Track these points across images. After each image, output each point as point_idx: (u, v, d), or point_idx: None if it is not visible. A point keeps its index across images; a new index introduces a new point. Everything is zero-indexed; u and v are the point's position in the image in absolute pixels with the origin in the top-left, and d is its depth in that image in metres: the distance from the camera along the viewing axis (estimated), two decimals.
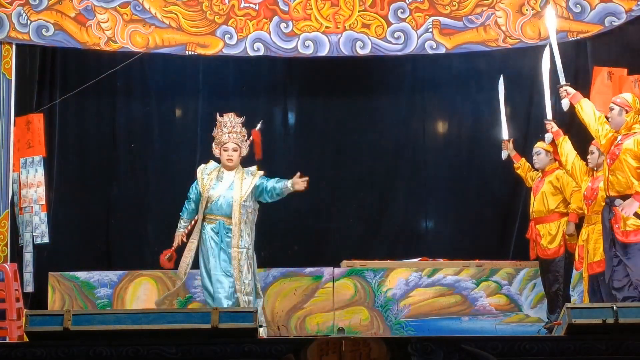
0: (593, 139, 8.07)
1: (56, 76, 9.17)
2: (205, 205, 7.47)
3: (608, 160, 6.73)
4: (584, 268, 7.52)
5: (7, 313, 7.50)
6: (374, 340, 5.21)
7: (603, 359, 5.18)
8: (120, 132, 9.49)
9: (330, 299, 8.39)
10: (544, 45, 8.67)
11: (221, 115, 7.59)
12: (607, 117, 6.83)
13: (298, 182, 7.36)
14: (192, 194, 7.62)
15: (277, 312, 8.33)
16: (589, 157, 7.58)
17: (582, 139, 8.05)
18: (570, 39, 8.63)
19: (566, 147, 7.63)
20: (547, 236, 7.92)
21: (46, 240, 8.60)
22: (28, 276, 8.51)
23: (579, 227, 7.80)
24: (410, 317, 8.34)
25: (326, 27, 8.65)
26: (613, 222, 6.64)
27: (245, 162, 7.65)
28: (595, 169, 7.54)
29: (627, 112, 6.70)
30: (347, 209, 9.51)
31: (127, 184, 9.47)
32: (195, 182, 7.58)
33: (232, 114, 7.57)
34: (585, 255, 7.46)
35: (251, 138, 7.57)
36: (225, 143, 7.49)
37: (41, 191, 8.59)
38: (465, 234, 9.36)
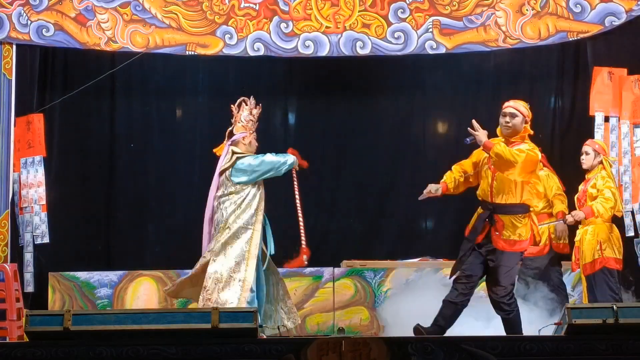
0: (591, 137, 8.15)
1: (56, 76, 9.17)
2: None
3: (492, 167, 6.52)
4: (580, 269, 7.58)
5: (7, 313, 7.50)
6: (374, 340, 5.22)
7: (603, 359, 5.18)
8: (120, 132, 9.49)
9: (330, 299, 8.39)
10: (544, 45, 8.72)
11: (248, 97, 7.36)
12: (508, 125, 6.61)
13: None
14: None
15: None
16: (583, 157, 7.63)
17: (582, 139, 8.07)
18: (570, 39, 8.63)
19: None
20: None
21: (46, 240, 8.60)
22: (28, 276, 8.52)
23: (574, 228, 7.82)
24: None
25: (326, 27, 8.65)
26: (493, 230, 6.48)
27: None
28: (589, 170, 7.60)
29: (526, 122, 6.64)
30: (347, 209, 9.51)
31: (127, 184, 9.47)
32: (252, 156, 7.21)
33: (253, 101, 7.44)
34: (580, 256, 7.50)
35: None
36: (255, 129, 7.35)
37: (41, 191, 8.59)
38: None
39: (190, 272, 7.28)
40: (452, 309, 6.48)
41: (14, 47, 8.66)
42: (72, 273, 8.61)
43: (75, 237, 9.24)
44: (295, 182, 7.34)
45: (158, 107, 9.56)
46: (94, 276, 8.59)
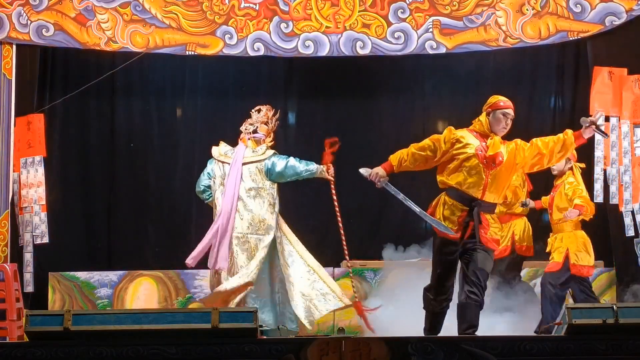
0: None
1: (56, 76, 9.18)
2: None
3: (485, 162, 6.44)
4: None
5: (7, 313, 7.50)
6: (374, 340, 5.21)
7: (603, 359, 5.18)
8: (120, 132, 9.50)
9: None
10: (544, 45, 8.72)
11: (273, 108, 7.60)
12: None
13: None
14: None
15: None
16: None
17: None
18: (571, 39, 8.63)
19: None
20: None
21: (46, 240, 8.60)
22: (28, 276, 8.52)
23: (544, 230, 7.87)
24: None
25: (326, 27, 8.65)
26: (481, 228, 6.36)
27: None
28: (558, 176, 7.57)
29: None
30: (347, 209, 9.49)
31: (127, 184, 9.47)
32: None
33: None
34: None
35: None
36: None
37: (41, 191, 8.59)
38: None
39: (230, 285, 7.13)
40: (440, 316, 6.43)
41: (14, 47, 8.65)
42: (72, 273, 8.62)
43: (75, 237, 9.25)
44: (335, 200, 7.44)
45: (158, 107, 9.56)
46: (94, 276, 8.60)
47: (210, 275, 7.31)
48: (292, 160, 7.30)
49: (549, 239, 7.69)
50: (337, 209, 7.41)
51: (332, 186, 7.39)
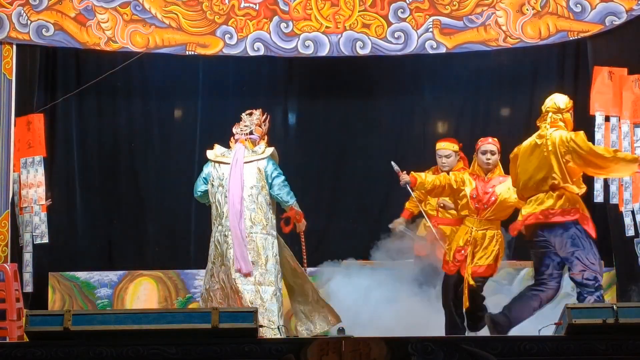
0: (592, 137, 8.13)
1: (56, 76, 9.18)
2: None
3: None
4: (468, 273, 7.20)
5: (7, 313, 7.49)
6: (374, 340, 5.22)
7: (603, 359, 5.18)
8: (120, 132, 9.50)
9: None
10: (545, 45, 8.73)
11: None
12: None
13: None
14: None
15: None
16: (489, 158, 7.50)
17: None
18: (571, 39, 8.63)
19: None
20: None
21: (46, 240, 8.59)
22: (28, 276, 8.51)
23: None
24: None
25: (326, 27, 8.65)
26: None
27: None
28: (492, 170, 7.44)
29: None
30: (347, 209, 9.50)
31: (127, 184, 9.47)
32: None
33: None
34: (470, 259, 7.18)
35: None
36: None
37: (41, 191, 8.58)
38: None
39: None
40: None
41: (14, 47, 8.65)
42: (72, 273, 8.62)
43: (75, 237, 9.25)
44: (304, 246, 7.45)
45: (158, 107, 9.56)
46: (94, 276, 8.60)
47: (209, 278, 7.21)
48: (278, 181, 7.22)
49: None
50: (304, 255, 7.45)
51: (302, 238, 7.41)
